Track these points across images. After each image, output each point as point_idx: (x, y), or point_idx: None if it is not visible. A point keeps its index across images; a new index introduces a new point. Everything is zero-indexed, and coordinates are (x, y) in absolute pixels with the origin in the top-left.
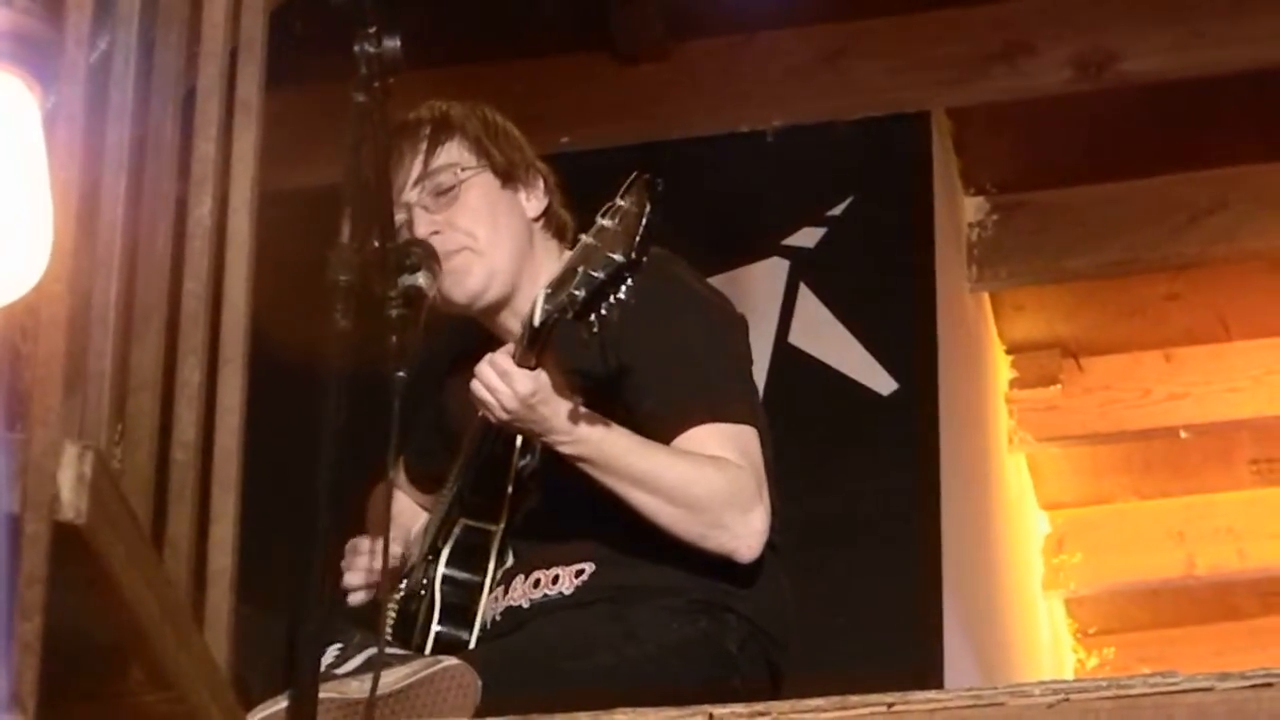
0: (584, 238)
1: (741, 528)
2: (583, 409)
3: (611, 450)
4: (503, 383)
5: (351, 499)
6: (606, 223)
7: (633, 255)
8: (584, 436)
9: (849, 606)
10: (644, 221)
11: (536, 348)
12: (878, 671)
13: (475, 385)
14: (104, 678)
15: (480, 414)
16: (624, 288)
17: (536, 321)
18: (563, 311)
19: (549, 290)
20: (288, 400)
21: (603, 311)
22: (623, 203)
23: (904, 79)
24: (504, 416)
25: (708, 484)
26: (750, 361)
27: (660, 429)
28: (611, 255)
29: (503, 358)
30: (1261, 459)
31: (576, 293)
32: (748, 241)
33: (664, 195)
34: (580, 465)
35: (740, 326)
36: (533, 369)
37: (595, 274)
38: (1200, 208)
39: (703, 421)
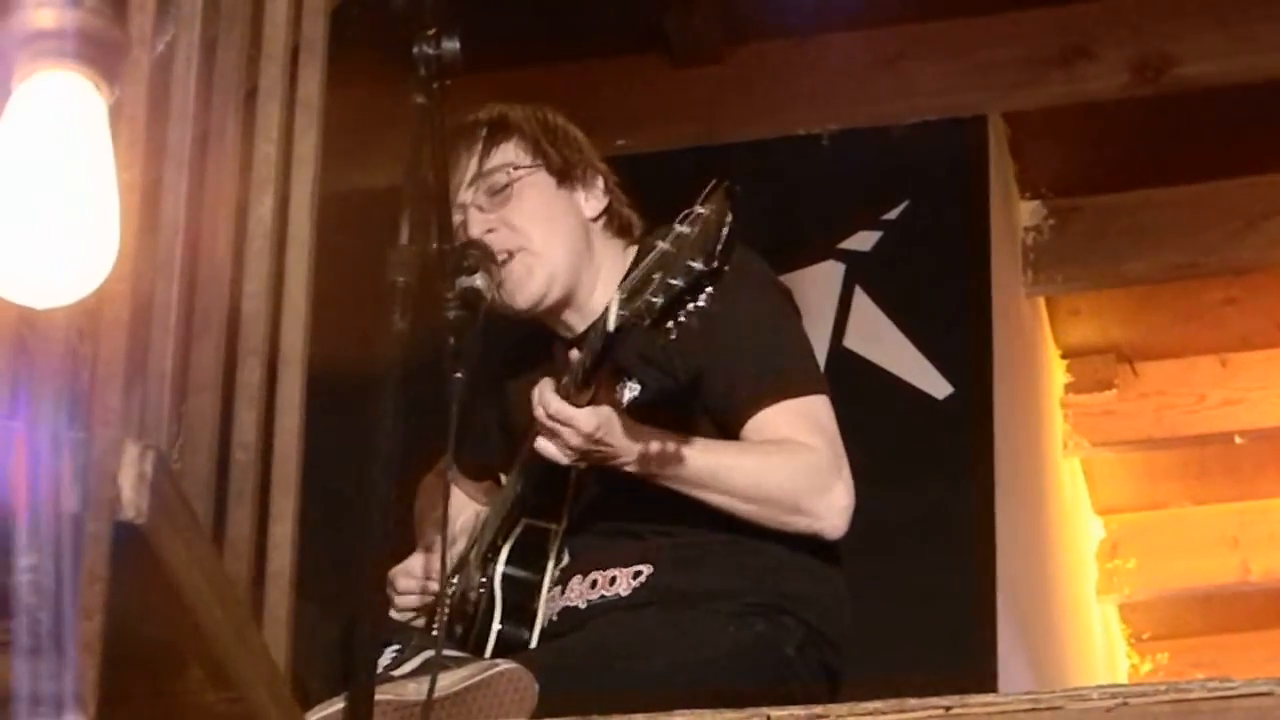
0: (660, 244)
1: (823, 508)
2: (643, 429)
3: (676, 464)
4: (565, 428)
5: (406, 496)
6: (685, 229)
7: (714, 264)
8: (649, 457)
9: (903, 609)
10: (725, 229)
11: (595, 377)
12: (930, 675)
13: (539, 442)
14: (163, 677)
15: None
16: (704, 295)
17: (611, 326)
18: (640, 318)
19: (624, 296)
20: (346, 401)
21: (681, 319)
22: (702, 209)
23: (960, 83)
24: (571, 456)
25: (779, 475)
26: (802, 326)
27: (732, 412)
28: (692, 263)
29: (559, 405)
30: None
31: (654, 300)
32: (803, 245)
33: (741, 201)
34: (649, 479)
35: (788, 295)
36: (590, 403)
37: (674, 281)
38: (1258, 213)
39: (774, 401)
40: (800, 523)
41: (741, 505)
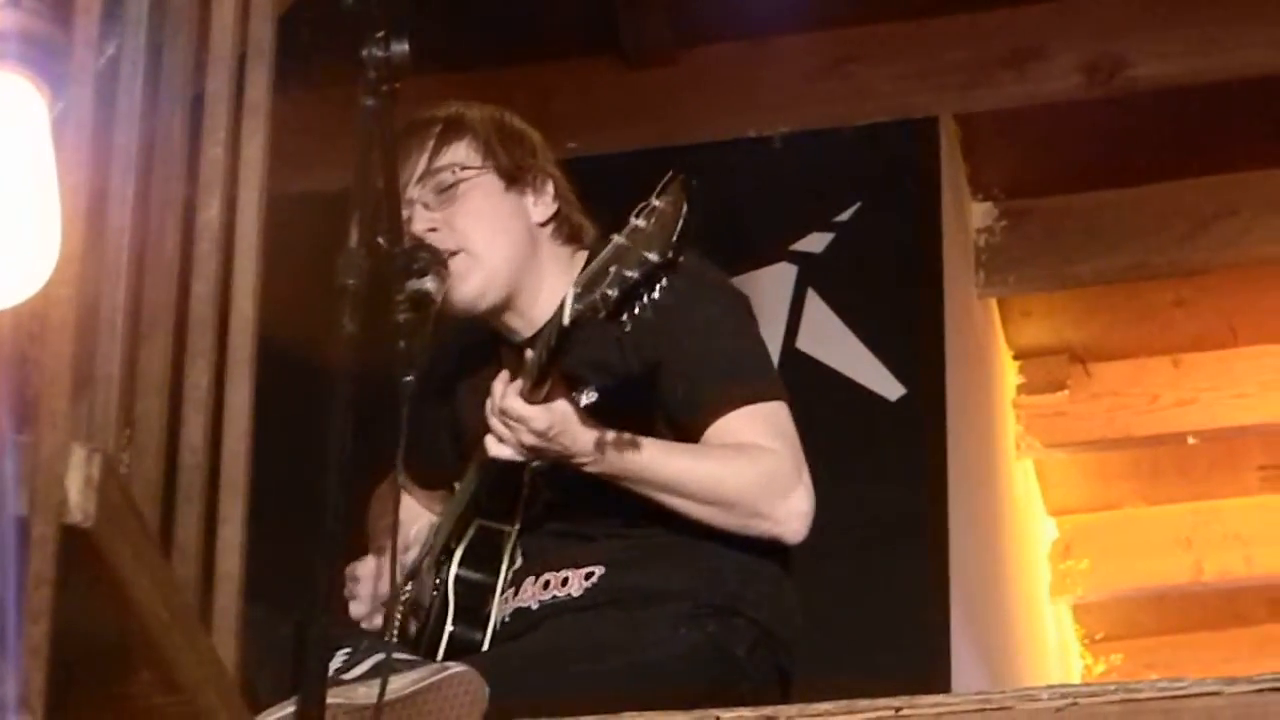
0: (616, 237)
1: (782, 513)
2: (600, 428)
3: (635, 464)
4: (518, 425)
5: (357, 501)
6: (640, 223)
7: (669, 255)
8: (606, 456)
9: (856, 611)
10: (681, 221)
11: (549, 374)
12: (884, 677)
13: (489, 439)
14: (112, 680)
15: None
16: (658, 287)
17: (566, 320)
18: (594, 311)
19: (579, 289)
20: (295, 403)
21: (636, 311)
22: (658, 202)
23: (912, 84)
24: (524, 454)
25: (738, 479)
26: (760, 334)
27: (693, 418)
28: (647, 255)
29: (511, 402)
30: (1269, 465)
31: (609, 292)
32: (755, 247)
33: (700, 195)
34: (608, 480)
35: (745, 302)
36: (544, 400)
37: (629, 273)
38: (1209, 214)
39: (735, 407)
40: (760, 526)
41: (701, 508)
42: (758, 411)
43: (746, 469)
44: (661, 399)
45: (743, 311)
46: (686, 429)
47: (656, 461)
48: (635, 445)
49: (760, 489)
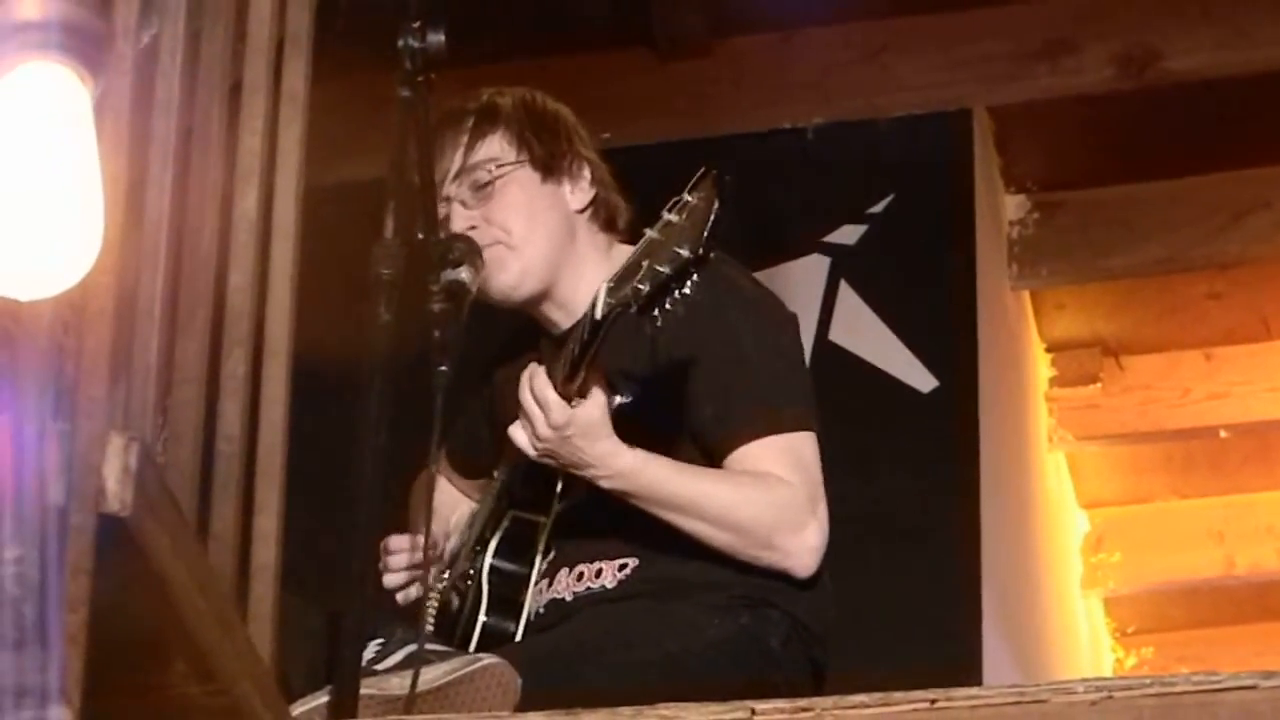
0: (649, 232)
1: (794, 546)
2: (621, 443)
3: (650, 483)
4: (538, 412)
5: (393, 490)
6: (673, 218)
7: (700, 250)
8: (622, 471)
9: (887, 603)
10: (712, 217)
11: (581, 367)
12: (915, 668)
13: (511, 429)
14: (148, 670)
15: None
16: (689, 283)
17: (598, 314)
18: (626, 306)
19: (611, 284)
20: (331, 393)
21: (667, 306)
22: (690, 198)
23: (946, 76)
24: (538, 445)
25: (753, 509)
26: (804, 358)
27: (716, 441)
28: (678, 250)
29: (541, 384)
30: None
31: (640, 287)
32: (788, 239)
33: (732, 190)
34: (622, 497)
35: (792, 324)
36: (571, 401)
37: (660, 269)
38: (1242, 207)
39: (758, 436)
40: (770, 558)
41: (713, 533)
42: (781, 442)
43: (760, 498)
44: (689, 416)
45: (783, 332)
46: (710, 449)
47: (671, 482)
48: (652, 466)
49: (773, 521)
